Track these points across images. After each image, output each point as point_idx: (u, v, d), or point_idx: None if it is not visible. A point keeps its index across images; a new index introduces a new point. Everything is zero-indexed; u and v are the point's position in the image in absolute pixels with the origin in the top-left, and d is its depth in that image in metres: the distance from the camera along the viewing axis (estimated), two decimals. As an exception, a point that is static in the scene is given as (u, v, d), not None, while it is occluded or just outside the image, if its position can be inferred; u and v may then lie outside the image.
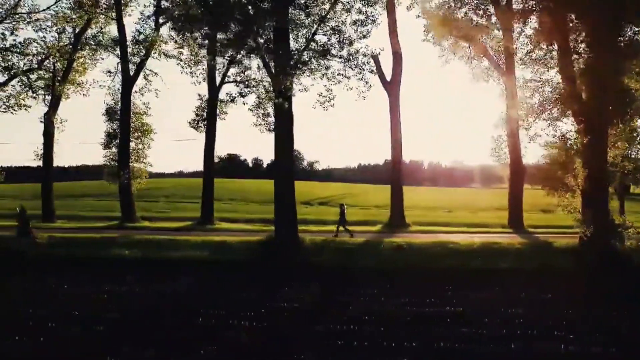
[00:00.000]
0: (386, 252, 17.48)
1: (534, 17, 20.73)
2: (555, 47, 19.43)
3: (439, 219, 29.14)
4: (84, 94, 28.13)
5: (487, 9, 23.91)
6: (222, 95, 25.52)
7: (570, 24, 17.23)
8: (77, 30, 27.04)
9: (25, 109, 26.84)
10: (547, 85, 17.57)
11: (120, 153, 25.26)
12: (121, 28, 25.10)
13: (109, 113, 25.68)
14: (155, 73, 25.90)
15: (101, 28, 27.29)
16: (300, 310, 11.78)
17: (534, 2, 18.79)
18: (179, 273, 15.08)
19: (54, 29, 26.06)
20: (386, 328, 10.21)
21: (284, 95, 17.65)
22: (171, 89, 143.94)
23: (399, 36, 24.44)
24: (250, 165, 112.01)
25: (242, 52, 18.16)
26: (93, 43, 26.37)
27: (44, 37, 25.86)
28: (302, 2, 17.52)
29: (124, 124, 25.18)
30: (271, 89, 17.75)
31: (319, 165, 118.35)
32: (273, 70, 17.67)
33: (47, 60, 27.06)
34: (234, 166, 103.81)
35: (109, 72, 25.81)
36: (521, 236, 21.06)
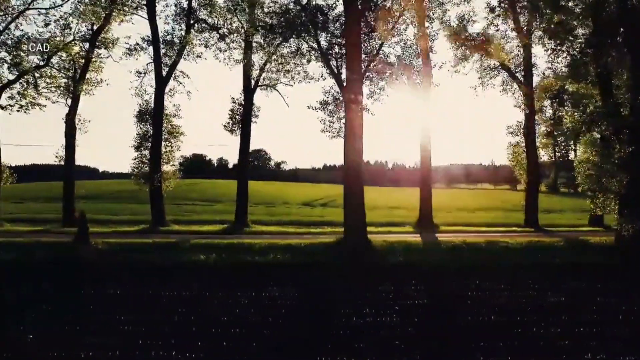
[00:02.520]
0: (450, 251, 18.69)
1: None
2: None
3: (450, 219, 30.74)
4: (90, 93, 27.24)
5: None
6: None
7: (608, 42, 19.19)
8: (95, 27, 26.13)
9: (40, 108, 25.70)
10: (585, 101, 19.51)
11: (152, 155, 24.75)
12: (154, 28, 24.63)
13: (141, 115, 25.04)
14: (187, 75, 25.59)
15: (119, 24, 26.60)
16: (428, 306, 12.69)
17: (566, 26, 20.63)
18: (278, 277, 15.21)
19: (55, 25, 25.06)
20: (533, 317, 11.40)
21: (354, 103, 18.39)
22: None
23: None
24: (216, 165, 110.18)
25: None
26: (125, 44, 25.68)
27: (50, 32, 24.86)
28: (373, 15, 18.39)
29: (156, 126, 24.70)
30: (340, 97, 18.38)
31: (286, 165, 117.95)
32: (344, 81, 18.40)
33: (58, 58, 26.02)
34: (199, 166, 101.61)
35: (139, 72, 25.20)
36: (548, 235, 23.07)
